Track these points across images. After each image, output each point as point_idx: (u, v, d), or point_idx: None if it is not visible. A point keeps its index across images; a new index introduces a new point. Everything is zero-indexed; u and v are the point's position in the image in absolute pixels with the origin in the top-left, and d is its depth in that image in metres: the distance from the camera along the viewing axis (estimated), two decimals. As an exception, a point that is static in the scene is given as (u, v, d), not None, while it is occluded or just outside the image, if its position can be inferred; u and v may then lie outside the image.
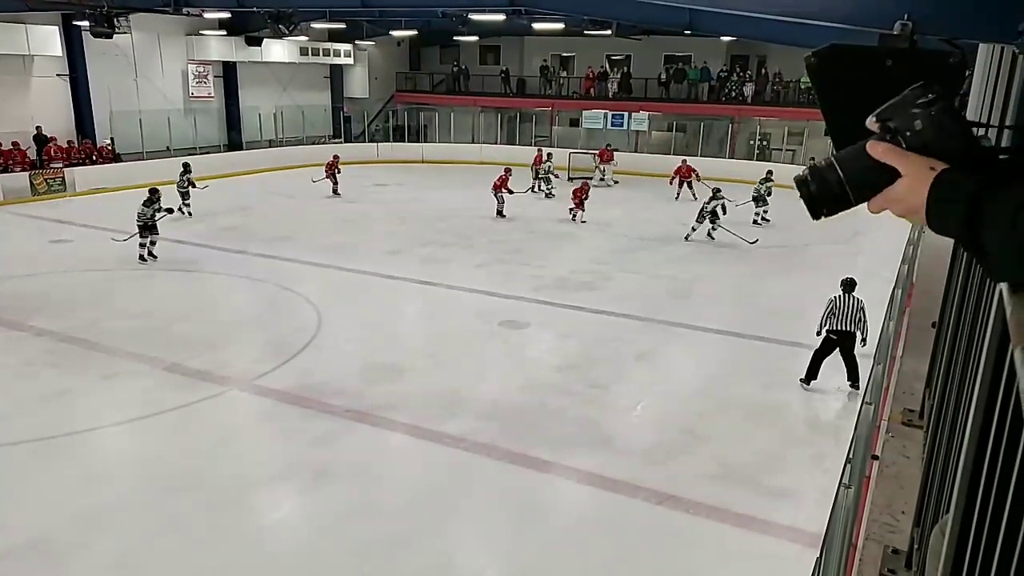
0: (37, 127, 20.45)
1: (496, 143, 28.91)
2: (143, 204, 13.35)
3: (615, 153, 24.66)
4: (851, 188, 0.98)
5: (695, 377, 9.37)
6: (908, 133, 0.94)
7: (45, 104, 20.87)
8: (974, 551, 1.15)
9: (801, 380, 8.52)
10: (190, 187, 17.32)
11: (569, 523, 6.32)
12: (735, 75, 27.25)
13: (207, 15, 22.05)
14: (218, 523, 6.03)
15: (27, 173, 19.21)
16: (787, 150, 25.67)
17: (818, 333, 8.50)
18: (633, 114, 26.61)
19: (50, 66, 20.70)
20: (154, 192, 13.60)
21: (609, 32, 23.00)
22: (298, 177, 23.86)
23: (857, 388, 8.24)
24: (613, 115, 26.87)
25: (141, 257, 13.36)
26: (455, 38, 29.55)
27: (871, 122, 1.00)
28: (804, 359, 8.79)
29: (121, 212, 17.83)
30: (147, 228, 13.31)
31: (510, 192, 18.14)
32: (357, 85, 30.41)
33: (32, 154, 20.08)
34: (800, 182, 1.03)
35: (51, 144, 20.41)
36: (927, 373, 3.29)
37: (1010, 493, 0.91)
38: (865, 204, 1.00)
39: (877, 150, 0.95)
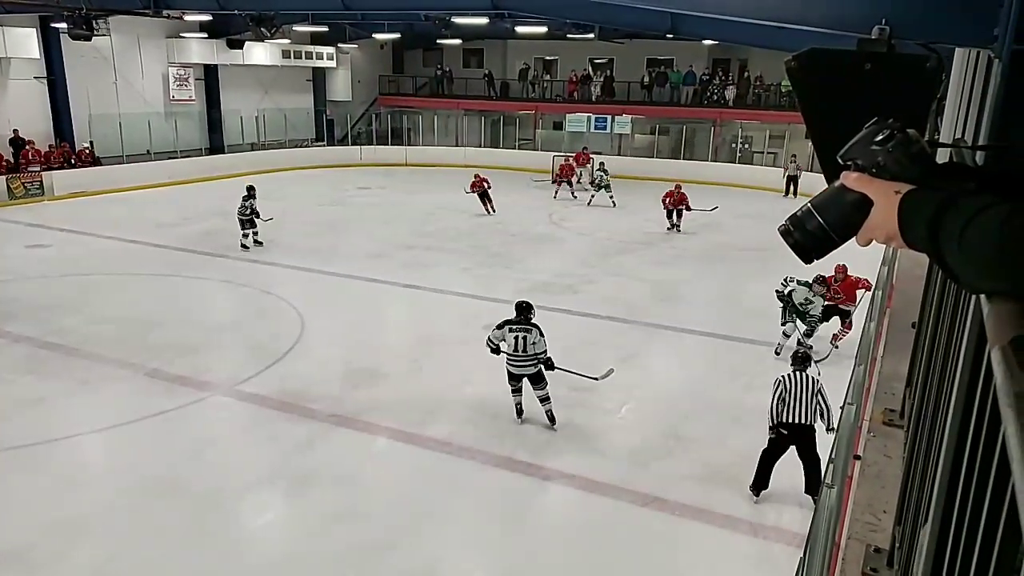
0: (14, 130, 20.15)
1: (480, 146, 28.91)
2: (241, 200, 14.48)
3: (593, 156, 24.70)
4: (834, 230, 1.03)
5: (679, 379, 9.41)
6: (874, 169, 1.00)
7: (22, 107, 20.59)
8: (954, 548, 1.16)
9: (751, 488, 6.42)
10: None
11: (554, 526, 6.32)
12: (717, 78, 27.45)
13: (188, 17, 21.84)
14: (200, 530, 5.96)
15: (3, 177, 18.93)
16: (769, 153, 25.89)
17: (770, 428, 6.38)
18: (616, 117, 26.72)
19: (27, 68, 20.43)
20: (250, 189, 14.65)
21: (592, 36, 23.10)
22: (280, 181, 23.75)
23: (816, 498, 5.55)
24: (596, 118, 26.96)
25: (243, 246, 14.57)
26: (438, 41, 29.49)
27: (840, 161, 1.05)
28: (785, 360, 8.86)
29: (100, 215, 17.69)
30: (246, 222, 14.52)
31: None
32: (340, 88, 30.30)
33: (9, 158, 19.79)
34: (784, 233, 1.08)
35: (29, 147, 20.13)
36: (907, 373, 3.33)
37: (989, 491, 0.92)
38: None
39: (850, 179, 1.01)
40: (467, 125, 29.44)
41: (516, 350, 7.49)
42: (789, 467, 6.32)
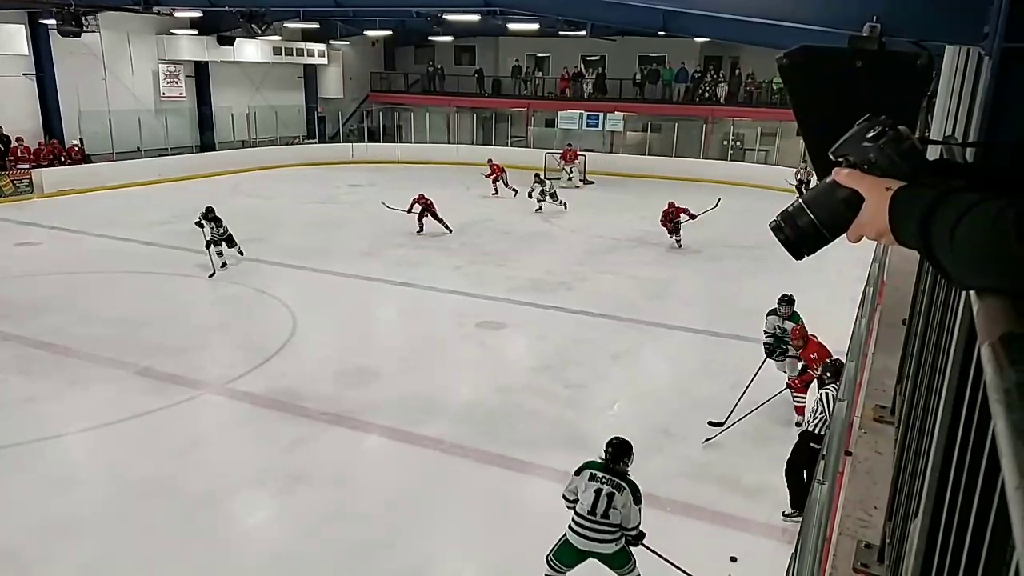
0: (0, 127, 20.01)
1: (472, 143, 28.88)
2: (213, 221, 12.97)
3: (583, 154, 24.72)
4: (824, 227, 1.04)
5: (670, 376, 9.44)
6: (865, 166, 1.00)
7: (10, 104, 20.43)
8: (944, 543, 1.17)
9: (785, 515, 6.15)
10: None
11: (546, 523, 6.30)
12: (708, 76, 27.50)
13: (178, 14, 21.73)
14: (192, 530, 5.94)
15: (-8, 175, 18.84)
16: (760, 150, 25.98)
17: (805, 439, 6.08)
18: (608, 115, 26.74)
19: (15, 65, 20.26)
20: (210, 210, 13.13)
21: (584, 33, 23.10)
22: (271, 178, 23.71)
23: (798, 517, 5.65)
24: (588, 115, 26.97)
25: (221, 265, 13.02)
26: (430, 38, 29.46)
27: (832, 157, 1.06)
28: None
29: (90, 213, 17.58)
30: (220, 241, 13.03)
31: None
32: (331, 85, 30.21)
33: (-2, 155, 19.69)
34: (776, 229, 1.08)
35: (17, 145, 19.99)
36: (898, 369, 3.34)
37: (978, 485, 0.93)
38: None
39: (841, 175, 1.02)
40: (459, 122, 29.41)
41: (593, 512, 4.80)
42: (781, 462, 6.34)
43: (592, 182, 24.39)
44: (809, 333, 7.81)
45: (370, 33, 27.60)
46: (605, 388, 8.82)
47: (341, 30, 26.73)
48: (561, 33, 23.89)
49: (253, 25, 20.41)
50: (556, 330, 10.66)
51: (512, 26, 23.08)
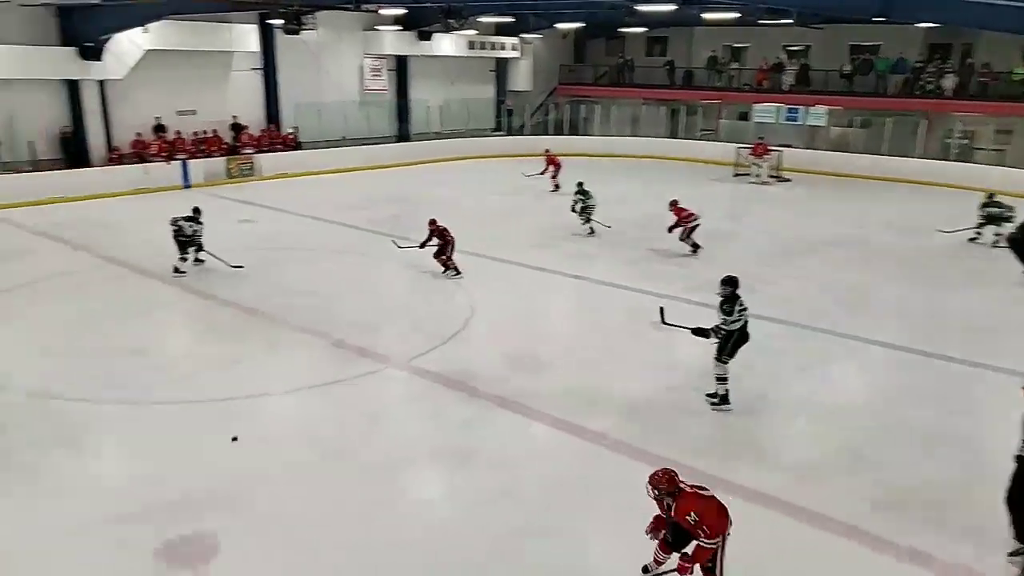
0: (234, 116, 22.46)
1: (658, 136, 28.24)
2: (191, 221, 12.30)
3: (778, 149, 23.26)
4: None
5: (863, 394, 8.63)
6: None
7: (241, 96, 22.86)
8: None
9: (1010, 554, 5.40)
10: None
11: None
12: (933, 66, 24.75)
13: (384, 11, 23.18)
14: (366, 495, 6.30)
15: (224, 158, 21.16)
16: (993, 150, 22.92)
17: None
18: (809, 108, 24.96)
19: (247, 61, 22.66)
20: (197, 211, 12.45)
21: (789, 21, 21.66)
22: (459, 169, 24.64)
23: None
24: (787, 109, 25.35)
25: (178, 270, 12.23)
26: (620, 30, 29.16)
27: None
28: (996, 384, 7.80)
29: (299, 196, 19.25)
30: (188, 244, 12.27)
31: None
32: (521, 78, 30.82)
33: (229, 140, 22.09)
34: (1013, 240, 0.87)
35: (244, 133, 22.37)
36: None
37: None
38: None
39: None
40: (646, 115, 28.87)
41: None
42: (994, 501, 5.56)
43: (788, 179, 22.94)
44: None
45: (561, 26, 27.77)
46: (787, 401, 8.23)
47: (533, 23, 27.11)
48: (761, 22, 22.62)
49: (451, 20, 21.28)
50: (736, 334, 10.12)
51: (708, 15, 22.16)
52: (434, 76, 28.02)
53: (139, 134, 20.26)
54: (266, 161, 21.93)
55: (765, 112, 25.75)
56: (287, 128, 23.64)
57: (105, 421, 7.53)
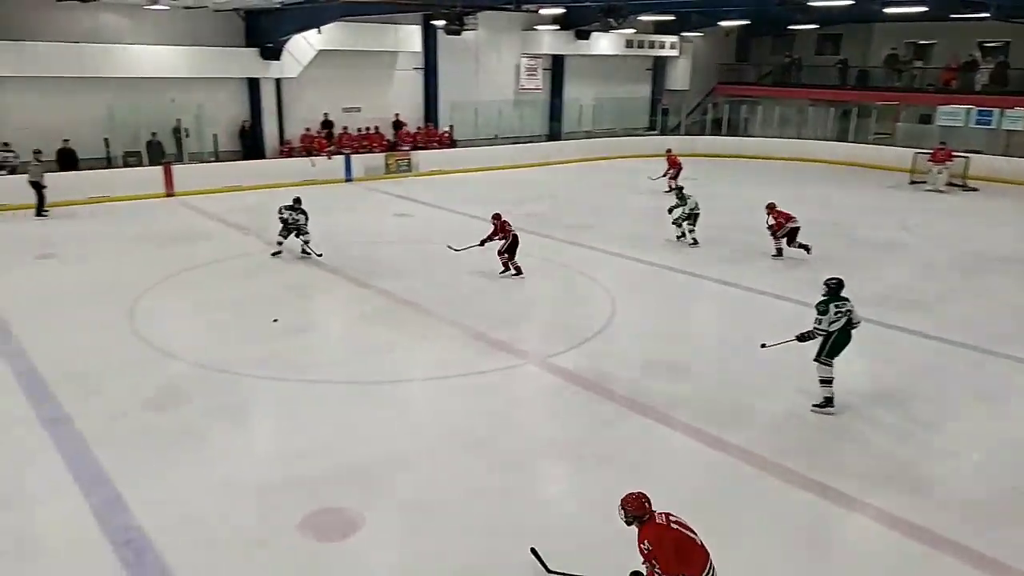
0: (396, 114, 23.55)
1: (825, 139, 26.57)
2: (291, 211, 12.97)
3: (965, 156, 21.14)
4: None
5: (1051, 430, 7.65)
6: None
7: (402, 94, 23.93)
8: None
9: None
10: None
11: (855, 564, 5.53)
12: None
13: (543, 11, 23.39)
14: (500, 485, 6.38)
15: (383, 154, 22.22)
16: None
17: None
18: (1006, 111, 22.51)
19: (409, 60, 23.68)
20: (297, 201, 13.09)
21: (986, 15, 19.58)
22: (609, 169, 24.41)
23: None
24: (979, 111, 23.00)
25: (277, 254, 13.10)
26: (789, 27, 27.69)
27: None
28: None
29: (452, 192, 19.85)
30: (294, 231, 12.99)
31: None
32: (678, 77, 30.08)
33: (390, 137, 23.18)
34: None
35: (403, 130, 23.39)
36: None
37: None
38: None
39: None
40: (813, 117, 27.26)
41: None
42: None
43: (974, 188, 20.83)
44: None
45: (725, 23, 26.77)
46: (959, 431, 7.46)
47: (695, 21, 26.33)
48: (953, 16, 20.62)
49: (611, 19, 21.05)
50: (904, 354, 9.31)
51: (891, 10, 20.44)
52: (589, 75, 27.95)
53: (308, 129, 21.73)
54: (422, 158, 22.79)
55: (952, 114, 23.53)
56: (443, 126, 24.45)
57: (264, 395, 8.11)
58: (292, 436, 7.23)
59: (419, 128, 23.96)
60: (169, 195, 18.29)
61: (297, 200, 13.06)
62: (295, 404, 7.86)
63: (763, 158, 25.89)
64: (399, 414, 7.70)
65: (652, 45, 28.20)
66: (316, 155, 20.92)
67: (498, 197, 19.15)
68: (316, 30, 20.13)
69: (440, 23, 20.61)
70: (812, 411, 7.59)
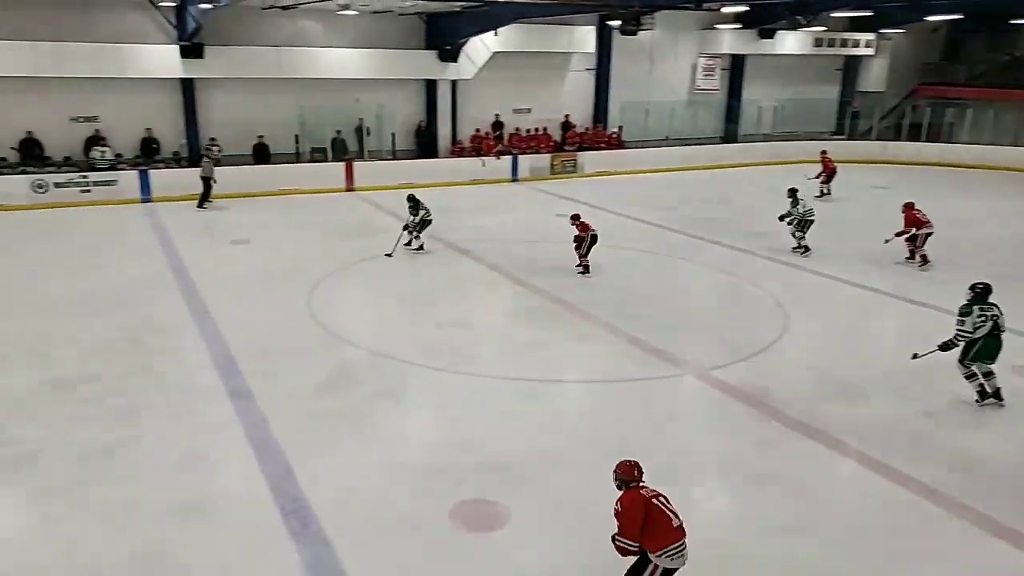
0: (566, 115, 23.65)
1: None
2: (421, 211, 13.41)
3: None
4: None
5: None
6: None
7: (573, 95, 23.99)
8: None
9: None
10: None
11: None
12: None
13: (725, 9, 22.50)
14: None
15: (549, 155, 22.38)
16: None
17: None
18: None
19: (582, 61, 23.68)
20: (411, 198, 13.58)
21: None
22: (789, 173, 23.03)
23: None
24: None
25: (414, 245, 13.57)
26: (1012, 21, 24.73)
27: None
28: None
29: (615, 193, 19.58)
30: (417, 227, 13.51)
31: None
32: (873, 78, 27.83)
33: (557, 139, 23.31)
34: None
35: (572, 130, 23.42)
36: None
37: None
38: None
39: None
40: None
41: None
42: None
43: None
44: None
45: (932, 18, 24.26)
46: None
47: (897, 17, 24.12)
48: None
49: (799, 16, 19.86)
50: None
51: None
52: (770, 76, 26.60)
53: (478, 129, 22.37)
54: (589, 159, 22.71)
55: None
56: (612, 127, 24.22)
57: (424, 384, 8.37)
58: (449, 425, 7.41)
59: (587, 129, 23.90)
60: (349, 190, 19.49)
61: (411, 198, 13.51)
62: (453, 394, 8.05)
63: (970, 167, 23.38)
64: (553, 414, 7.68)
65: (844, 43, 26.27)
66: (485, 155, 21.47)
67: (663, 200, 18.74)
68: (493, 32, 20.64)
69: (616, 23, 20.43)
70: (977, 403, 7.56)
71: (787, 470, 6.59)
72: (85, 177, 17.10)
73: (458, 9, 19.40)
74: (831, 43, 26.05)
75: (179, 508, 5.86)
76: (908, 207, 12.86)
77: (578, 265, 12.36)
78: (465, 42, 20.81)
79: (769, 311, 10.69)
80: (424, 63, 21.01)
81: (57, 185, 16.77)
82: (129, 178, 17.50)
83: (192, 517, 5.78)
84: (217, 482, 6.41)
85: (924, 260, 12.76)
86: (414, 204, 13.43)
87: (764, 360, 8.99)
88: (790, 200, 13.82)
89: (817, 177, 19.19)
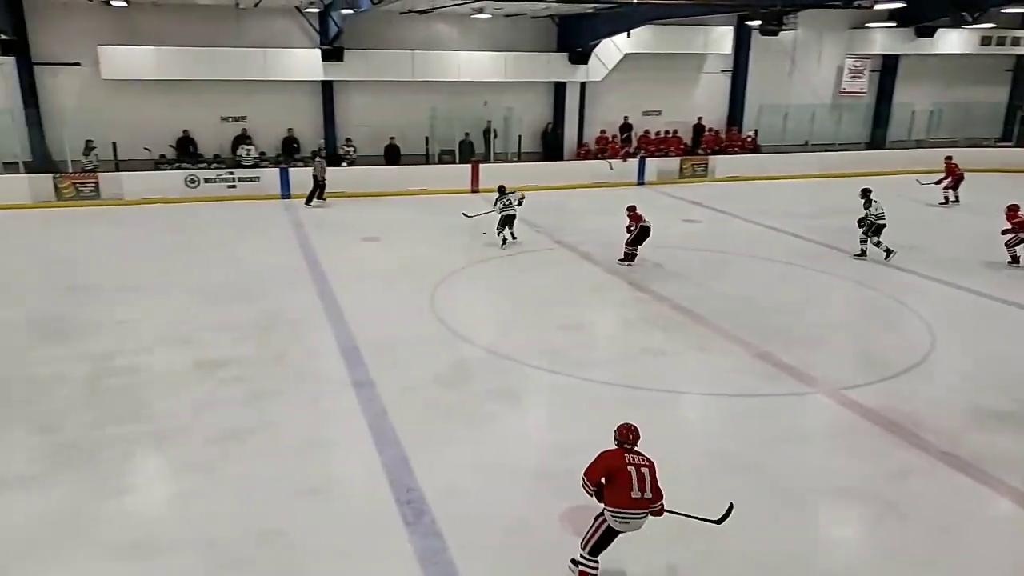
0: (699, 118, 22.98)
1: None
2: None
3: None
4: None
5: None
6: None
7: (706, 97, 23.29)
8: None
9: None
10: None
11: None
12: None
13: (879, 6, 21.07)
14: (775, 517, 5.85)
15: (678, 158, 21.81)
16: None
17: None
18: None
19: (718, 63, 22.94)
20: (501, 188, 14.21)
21: None
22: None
23: None
24: None
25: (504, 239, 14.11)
26: None
27: None
28: None
29: (748, 200, 18.81)
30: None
31: None
32: (1046, 79, 25.26)
33: (687, 141, 22.69)
34: None
35: (709, 134, 22.69)
36: None
37: None
38: None
39: None
40: None
41: None
42: None
43: None
44: None
45: None
46: None
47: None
48: None
49: (966, 13, 18.22)
50: None
51: None
52: (926, 77, 24.70)
53: (603, 131, 22.11)
54: (721, 163, 21.96)
55: None
56: (747, 130, 23.31)
57: (539, 385, 8.33)
58: (562, 428, 7.33)
59: (715, 131, 23.10)
60: (474, 191, 19.80)
61: (501, 188, 14.02)
62: (568, 398, 7.96)
63: None
64: (669, 425, 7.40)
65: (1017, 42, 23.94)
66: (610, 158, 21.22)
67: (800, 208, 17.82)
68: (625, 34, 20.36)
69: (756, 23, 19.64)
70: None
71: (930, 504, 6.05)
72: (232, 173, 18.37)
73: (591, 11, 19.26)
74: (1000, 41, 23.79)
75: (305, 491, 6.11)
76: (1013, 208, 12.94)
77: (623, 257, 12.69)
78: (596, 44, 20.65)
79: (915, 330, 9.89)
80: (554, 65, 21.03)
81: (207, 180, 18.11)
82: (271, 175, 18.60)
83: (315, 499, 6.02)
84: (338, 467, 6.64)
85: (1015, 259, 12.80)
86: (500, 195, 13.96)
87: (906, 381, 8.32)
88: (863, 202, 13.22)
89: (939, 183, 18.03)
